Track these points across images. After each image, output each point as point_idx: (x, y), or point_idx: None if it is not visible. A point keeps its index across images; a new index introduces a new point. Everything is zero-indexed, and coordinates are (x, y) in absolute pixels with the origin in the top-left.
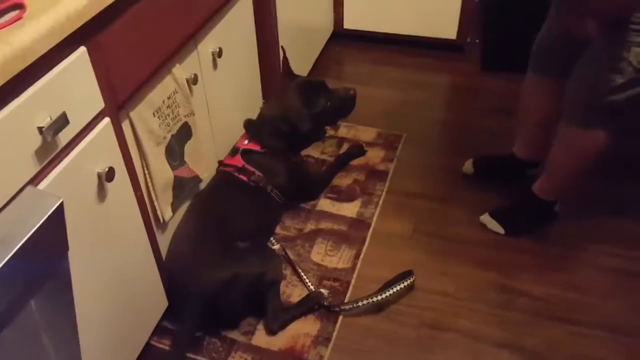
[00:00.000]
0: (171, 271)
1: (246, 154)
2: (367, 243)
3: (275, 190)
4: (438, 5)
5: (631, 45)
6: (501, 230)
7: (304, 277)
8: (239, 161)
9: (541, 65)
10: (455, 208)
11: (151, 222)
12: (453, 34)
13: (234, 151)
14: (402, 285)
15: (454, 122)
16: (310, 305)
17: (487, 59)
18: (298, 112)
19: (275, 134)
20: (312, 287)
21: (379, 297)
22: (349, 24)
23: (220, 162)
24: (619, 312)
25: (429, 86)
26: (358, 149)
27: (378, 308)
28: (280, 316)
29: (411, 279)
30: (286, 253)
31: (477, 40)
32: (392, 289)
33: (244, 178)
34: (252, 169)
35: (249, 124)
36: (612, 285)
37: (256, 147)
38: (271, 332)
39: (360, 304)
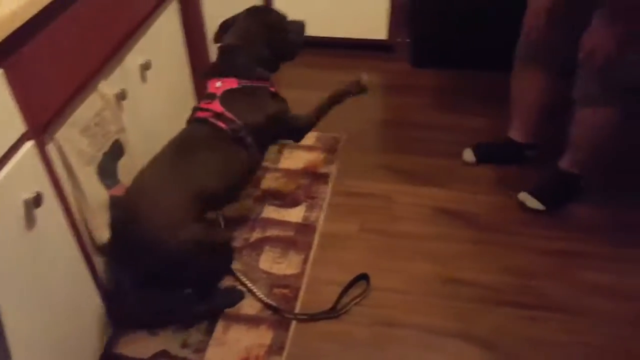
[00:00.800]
0: (124, 213)
1: (224, 97)
2: (314, 247)
3: (253, 142)
4: (367, 7)
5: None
6: (540, 207)
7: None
8: (217, 107)
9: (529, 57)
10: (399, 204)
11: (87, 247)
12: (383, 34)
13: (210, 96)
14: (357, 300)
15: (390, 120)
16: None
17: (418, 56)
18: (271, 29)
19: (252, 60)
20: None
21: (336, 314)
22: None
23: (195, 108)
24: (562, 292)
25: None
26: (358, 87)
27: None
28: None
29: (365, 290)
30: None
31: (407, 40)
32: (347, 305)
33: (223, 126)
34: (231, 116)
35: (220, 63)
36: (553, 266)
37: (233, 84)
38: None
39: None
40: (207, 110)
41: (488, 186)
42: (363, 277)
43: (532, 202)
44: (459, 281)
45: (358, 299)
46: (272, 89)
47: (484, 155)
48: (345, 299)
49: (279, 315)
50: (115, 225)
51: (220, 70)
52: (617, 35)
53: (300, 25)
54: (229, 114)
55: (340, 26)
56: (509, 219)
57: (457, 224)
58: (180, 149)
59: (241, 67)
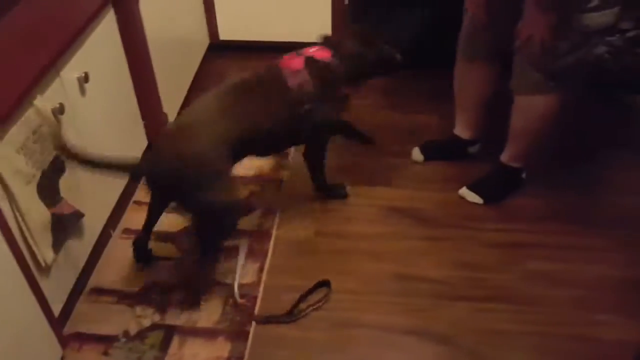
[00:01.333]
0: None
1: (309, 62)
2: (270, 254)
3: (310, 116)
4: (309, 10)
5: (571, 11)
6: (480, 200)
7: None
8: (298, 64)
9: (471, 51)
10: (352, 206)
11: (31, 269)
12: None
13: (297, 54)
14: (316, 306)
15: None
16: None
17: None
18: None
19: (355, 54)
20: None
21: (292, 319)
22: (224, 35)
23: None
24: (512, 283)
25: None
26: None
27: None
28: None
29: (326, 295)
30: None
31: None
32: (304, 310)
33: (292, 83)
34: (308, 79)
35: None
36: (502, 258)
37: (326, 55)
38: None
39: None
40: (284, 62)
41: (437, 183)
42: (324, 284)
43: (472, 197)
44: (412, 278)
45: (318, 304)
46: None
47: (431, 153)
48: (302, 305)
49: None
50: (157, 155)
51: (331, 40)
52: (549, 21)
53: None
54: (306, 76)
55: (285, 30)
56: (457, 215)
57: (408, 222)
58: (239, 89)
59: (343, 50)
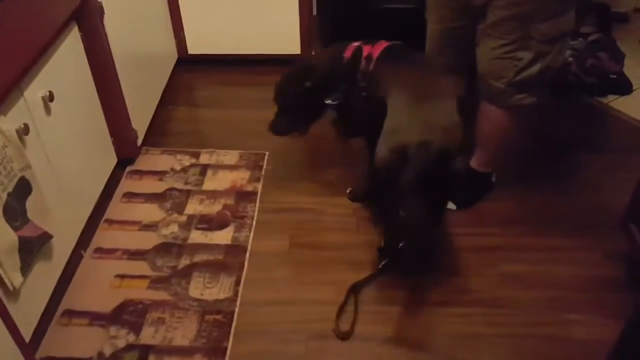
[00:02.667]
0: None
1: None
2: (245, 267)
3: None
4: (277, 23)
5: (530, 21)
6: (452, 207)
7: None
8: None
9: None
10: (326, 216)
11: None
12: (297, 49)
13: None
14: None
15: (311, 133)
16: None
17: None
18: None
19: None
20: None
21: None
22: (193, 49)
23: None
24: (485, 287)
25: None
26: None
27: (266, 331)
28: None
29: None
30: None
31: None
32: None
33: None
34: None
35: None
36: (472, 262)
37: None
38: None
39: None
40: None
41: None
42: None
43: None
44: (387, 286)
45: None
46: None
47: None
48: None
49: None
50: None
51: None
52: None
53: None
54: None
55: (253, 43)
56: None
57: (380, 231)
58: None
59: None
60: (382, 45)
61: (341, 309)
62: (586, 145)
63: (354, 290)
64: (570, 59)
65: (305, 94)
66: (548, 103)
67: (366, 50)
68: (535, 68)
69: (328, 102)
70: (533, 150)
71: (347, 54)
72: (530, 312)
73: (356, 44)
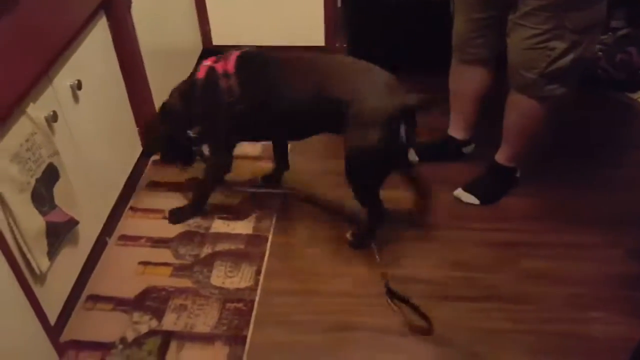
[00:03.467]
0: None
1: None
2: (266, 257)
3: None
4: (302, 14)
5: (563, 11)
6: (476, 201)
7: None
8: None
9: (465, 53)
10: (345, 209)
11: (25, 277)
12: (321, 41)
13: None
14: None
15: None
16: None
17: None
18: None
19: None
20: None
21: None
22: (218, 40)
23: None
24: (505, 282)
25: None
26: None
27: (285, 321)
28: None
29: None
30: None
31: (344, 45)
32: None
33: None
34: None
35: None
36: (494, 258)
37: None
38: None
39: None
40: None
41: (430, 184)
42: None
43: (467, 198)
44: (405, 279)
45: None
46: None
47: (425, 154)
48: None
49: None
50: None
51: None
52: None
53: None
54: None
55: (278, 34)
56: (450, 215)
57: (402, 224)
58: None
59: None
60: (233, 55)
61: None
62: (613, 141)
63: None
64: (600, 53)
65: (169, 139)
66: (576, 96)
67: (219, 68)
68: (568, 58)
69: (192, 135)
70: (557, 145)
71: (200, 75)
72: (551, 308)
73: (207, 63)
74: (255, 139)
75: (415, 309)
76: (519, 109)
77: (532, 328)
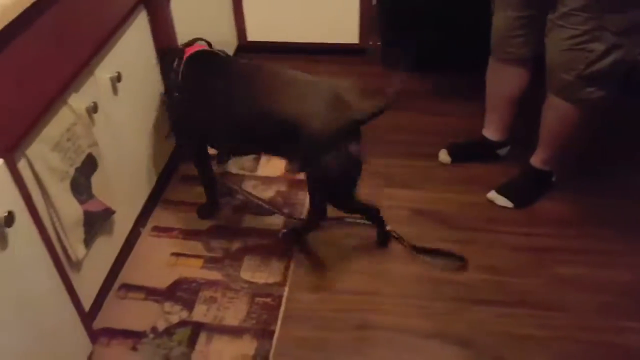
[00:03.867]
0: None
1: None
2: (295, 253)
3: None
4: (338, 12)
5: (603, 12)
6: (510, 205)
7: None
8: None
9: (504, 52)
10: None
11: (63, 264)
12: (355, 39)
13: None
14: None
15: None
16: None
17: (390, 60)
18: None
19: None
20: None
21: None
22: (252, 36)
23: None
24: (537, 288)
25: None
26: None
27: (313, 317)
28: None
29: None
30: None
31: (378, 43)
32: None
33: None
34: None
35: None
36: (525, 263)
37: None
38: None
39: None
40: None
41: (463, 186)
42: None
43: (501, 201)
44: (435, 281)
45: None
46: None
47: (458, 155)
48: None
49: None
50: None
51: None
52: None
53: None
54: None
55: (312, 31)
56: (482, 218)
57: (432, 225)
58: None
59: None
60: (196, 46)
61: None
62: None
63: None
64: None
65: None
66: (618, 100)
67: (187, 52)
68: (608, 61)
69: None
70: (593, 150)
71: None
72: (583, 316)
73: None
74: (212, 144)
75: (446, 254)
76: (556, 113)
77: (563, 335)
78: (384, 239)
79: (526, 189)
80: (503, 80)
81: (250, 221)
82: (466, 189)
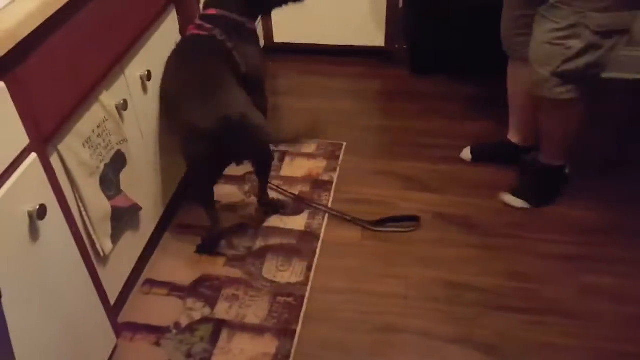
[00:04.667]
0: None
1: (202, 17)
2: (317, 254)
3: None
4: (365, 15)
5: (585, 10)
6: (527, 206)
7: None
8: (197, 21)
9: (513, 50)
10: (399, 210)
11: (91, 257)
12: (381, 42)
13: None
14: (402, 230)
15: (390, 126)
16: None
17: (416, 63)
18: None
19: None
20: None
21: (380, 229)
22: (279, 37)
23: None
24: (563, 296)
25: (363, 94)
26: None
27: (334, 318)
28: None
29: (412, 228)
30: None
31: (404, 46)
32: (393, 227)
33: (205, 32)
34: (209, 25)
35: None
36: (554, 270)
37: (212, 12)
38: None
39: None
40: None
41: (487, 190)
42: (414, 219)
43: (517, 202)
44: (459, 286)
45: (400, 230)
46: (250, 26)
47: (480, 155)
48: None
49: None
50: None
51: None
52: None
53: None
54: (207, 25)
55: (339, 34)
56: (508, 223)
57: (456, 229)
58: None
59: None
60: (192, 27)
61: None
62: None
63: None
64: None
65: None
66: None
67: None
68: (582, 61)
69: None
70: (625, 159)
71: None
72: (610, 326)
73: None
74: None
75: (401, 218)
76: (542, 111)
77: (589, 345)
78: (206, 248)
79: (541, 187)
80: (517, 80)
81: (273, 221)
82: (490, 194)
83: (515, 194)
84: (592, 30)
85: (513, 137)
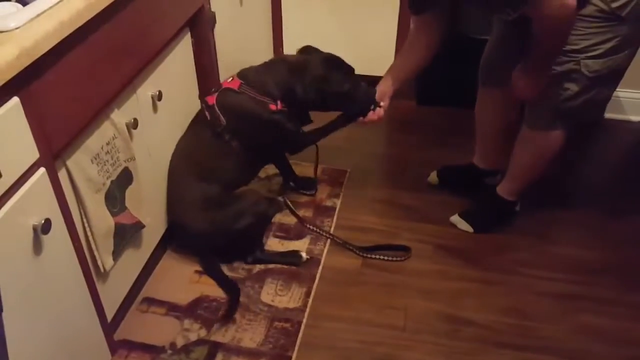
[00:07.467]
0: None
1: (223, 93)
2: (317, 280)
3: (236, 142)
4: (374, 43)
5: (580, 58)
6: (470, 229)
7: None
8: (211, 99)
9: (489, 77)
10: (401, 240)
11: (91, 273)
12: None
13: (216, 89)
14: (391, 259)
15: (394, 155)
16: (287, 261)
17: (422, 94)
18: (320, 79)
19: (279, 86)
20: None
21: (368, 255)
22: None
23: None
24: (561, 335)
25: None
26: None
27: (331, 346)
28: (258, 255)
29: (401, 258)
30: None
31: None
32: (381, 256)
33: (208, 117)
34: (218, 112)
35: (249, 69)
36: (553, 309)
37: (235, 84)
38: (246, 262)
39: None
40: (204, 101)
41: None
42: (406, 249)
43: (462, 224)
44: (457, 320)
45: (390, 258)
46: (273, 107)
47: (446, 178)
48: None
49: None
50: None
51: (247, 73)
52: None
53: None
54: (216, 110)
55: (350, 57)
56: (509, 259)
57: (457, 262)
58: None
59: (255, 79)
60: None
61: None
62: None
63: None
64: None
65: None
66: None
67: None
68: (579, 101)
69: None
70: (629, 202)
71: None
72: None
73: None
74: None
75: (393, 247)
76: (531, 146)
77: None
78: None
79: (487, 217)
80: (485, 107)
81: (274, 244)
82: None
83: (462, 216)
84: (587, 75)
85: (477, 161)
